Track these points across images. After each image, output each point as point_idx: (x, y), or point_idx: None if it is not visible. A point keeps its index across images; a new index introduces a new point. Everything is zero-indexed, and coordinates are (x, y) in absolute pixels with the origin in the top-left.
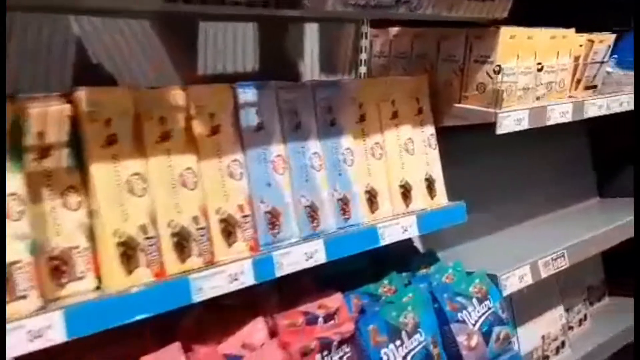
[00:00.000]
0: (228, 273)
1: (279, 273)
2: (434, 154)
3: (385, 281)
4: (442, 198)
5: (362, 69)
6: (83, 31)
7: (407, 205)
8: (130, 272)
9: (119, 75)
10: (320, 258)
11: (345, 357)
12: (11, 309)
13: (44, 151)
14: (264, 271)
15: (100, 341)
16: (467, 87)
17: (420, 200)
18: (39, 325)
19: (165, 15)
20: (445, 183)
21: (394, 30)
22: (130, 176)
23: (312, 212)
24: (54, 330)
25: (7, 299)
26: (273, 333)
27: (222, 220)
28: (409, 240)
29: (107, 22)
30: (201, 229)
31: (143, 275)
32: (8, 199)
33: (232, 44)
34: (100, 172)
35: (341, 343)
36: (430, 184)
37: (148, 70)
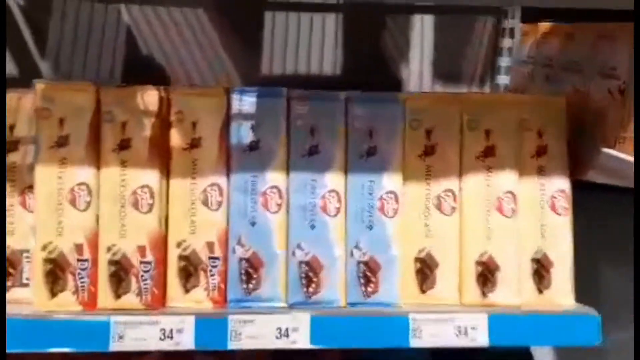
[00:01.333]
0: (160, 327)
1: (232, 345)
2: (559, 222)
3: None
4: (560, 295)
5: (503, 79)
6: (133, 20)
7: (485, 295)
8: (54, 294)
9: (171, 69)
10: (299, 341)
11: None
12: None
13: (13, 144)
14: (209, 337)
15: None
16: (629, 120)
17: (512, 289)
18: None
19: (227, 4)
20: (575, 272)
21: (544, 26)
22: (76, 185)
23: (310, 272)
24: None
25: None
26: None
27: (183, 257)
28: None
29: (159, 11)
30: (147, 263)
31: (68, 302)
32: None
33: (306, 38)
34: (44, 174)
35: None
36: (541, 268)
37: (202, 66)
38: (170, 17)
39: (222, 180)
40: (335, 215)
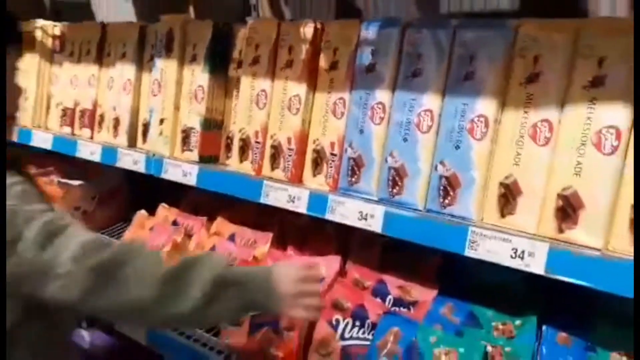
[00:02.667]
0: (288, 193)
1: (329, 216)
2: None
3: (517, 321)
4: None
5: None
6: None
7: (562, 230)
8: (241, 161)
9: (366, 10)
10: (374, 225)
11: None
12: None
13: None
14: (316, 206)
15: None
16: None
17: (595, 230)
18: None
19: None
20: None
21: None
22: (259, 91)
23: (397, 177)
24: None
25: None
26: (341, 274)
27: (315, 151)
28: None
29: None
30: (291, 150)
31: (247, 167)
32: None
33: None
34: (244, 85)
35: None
36: None
37: (392, 7)
38: None
39: (346, 95)
40: (427, 132)
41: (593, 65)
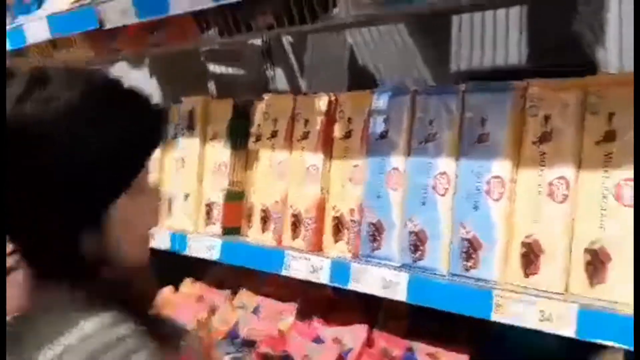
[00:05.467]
0: (310, 263)
1: (352, 286)
2: None
3: None
4: None
5: None
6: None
7: (593, 285)
8: (262, 231)
9: (379, 76)
10: (398, 293)
11: None
12: None
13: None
14: (338, 277)
15: None
16: None
17: (621, 281)
18: None
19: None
20: None
21: None
22: (278, 163)
23: (418, 241)
24: None
25: None
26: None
27: (335, 218)
28: None
29: (372, 30)
30: (310, 218)
31: (269, 237)
32: None
33: (491, 33)
34: (264, 157)
35: None
36: None
37: (403, 72)
38: (379, 33)
39: (362, 162)
40: (444, 194)
41: (604, 120)
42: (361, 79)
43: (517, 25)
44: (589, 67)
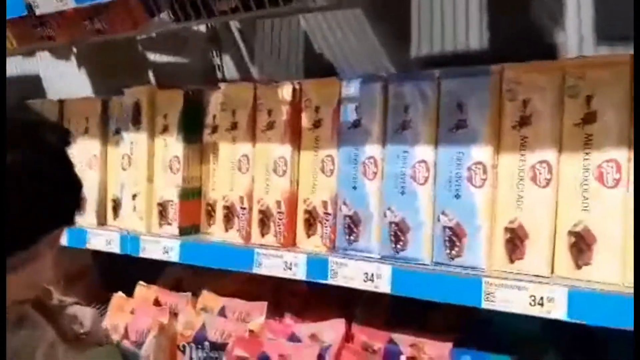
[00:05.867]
0: (284, 260)
1: (332, 281)
2: None
3: None
4: None
5: None
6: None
7: (579, 267)
8: (226, 229)
9: (337, 63)
10: (382, 286)
11: None
12: None
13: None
14: (315, 272)
15: None
16: None
17: (607, 261)
18: None
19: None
20: None
21: None
22: (240, 156)
23: (399, 232)
24: None
25: None
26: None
27: (306, 212)
28: None
29: (327, 16)
30: (281, 213)
31: (234, 235)
32: None
33: (451, 16)
34: (224, 151)
35: None
36: None
37: (362, 58)
38: (335, 19)
39: (334, 152)
40: (424, 183)
41: (582, 103)
42: (318, 67)
43: (478, 8)
44: (549, 52)
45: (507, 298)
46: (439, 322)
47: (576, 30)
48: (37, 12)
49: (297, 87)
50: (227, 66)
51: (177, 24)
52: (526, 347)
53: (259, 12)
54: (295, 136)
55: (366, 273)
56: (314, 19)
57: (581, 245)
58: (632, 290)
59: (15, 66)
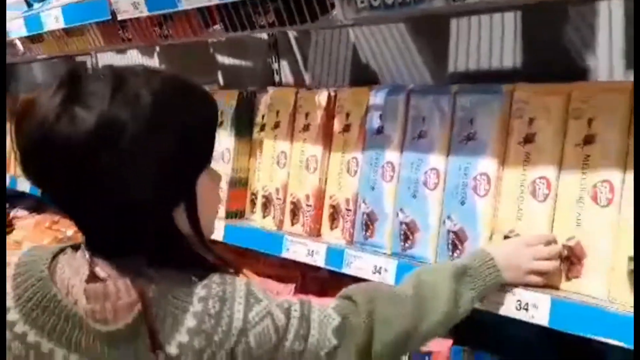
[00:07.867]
0: (307, 248)
1: (345, 269)
2: None
3: None
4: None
5: None
6: (357, 38)
7: (569, 279)
8: (264, 216)
9: (381, 74)
10: (387, 279)
11: None
12: None
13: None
14: (333, 260)
15: None
16: None
17: (601, 279)
18: None
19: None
20: None
21: None
22: (280, 152)
23: (408, 231)
24: None
25: None
26: None
27: (331, 206)
28: None
29: (373, 29)
30: (309, 206)
31: (269, 222)
32: None
33: (487, 38)
34: (267, 146)
35: None
36: None
37: (403, 70)
38: (380, 33)
39: (359, 155)
40: (434, 189)
41: (584, 125)
42: (363, 76)
43: (512, 30)
44: (578, 73)
45: (496, 300)
46: None
47: (607, 56)
48: (119, 17)
49: (332, 94)
50: (284, 71)
51: (227, 33)
52: (521, 349)
53: (291, 27)
54: (327, 138)
55: (375, 266)
56: (362, 32)
57: (572, 258)
58: (615, 306)
59: (107, 62)
